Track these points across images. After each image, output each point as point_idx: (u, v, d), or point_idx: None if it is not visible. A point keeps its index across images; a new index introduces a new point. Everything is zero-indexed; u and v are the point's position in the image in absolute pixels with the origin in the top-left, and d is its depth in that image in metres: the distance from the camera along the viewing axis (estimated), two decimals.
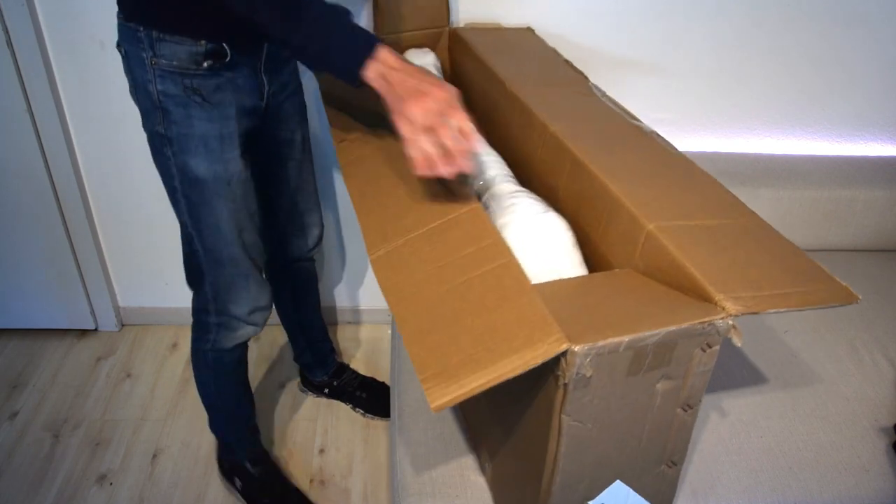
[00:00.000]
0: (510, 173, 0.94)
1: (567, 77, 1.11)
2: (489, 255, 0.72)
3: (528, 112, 0.98)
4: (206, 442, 1.53)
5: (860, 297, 0.67)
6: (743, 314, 0.63)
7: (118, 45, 0.96)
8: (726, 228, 0.75)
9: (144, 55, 0.91)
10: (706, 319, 0.63)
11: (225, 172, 0.99)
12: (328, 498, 1.43)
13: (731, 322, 0.63)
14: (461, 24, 1.36)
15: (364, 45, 0.79)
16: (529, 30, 1.36)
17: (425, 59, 1.23)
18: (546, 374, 0.65)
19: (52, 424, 1.58)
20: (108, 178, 1.60)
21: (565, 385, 0.63)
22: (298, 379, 1.68)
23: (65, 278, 1.72)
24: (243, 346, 1.22)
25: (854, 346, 1.23)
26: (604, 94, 1.05)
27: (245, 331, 1.15)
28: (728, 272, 0.68)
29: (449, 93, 0.76)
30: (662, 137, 0.93)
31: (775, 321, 1.28)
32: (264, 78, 1.01)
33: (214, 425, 1.38)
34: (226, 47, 0.92)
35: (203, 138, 0.95)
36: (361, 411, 1.61)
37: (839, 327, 1.28)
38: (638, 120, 0.97)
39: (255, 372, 1.71)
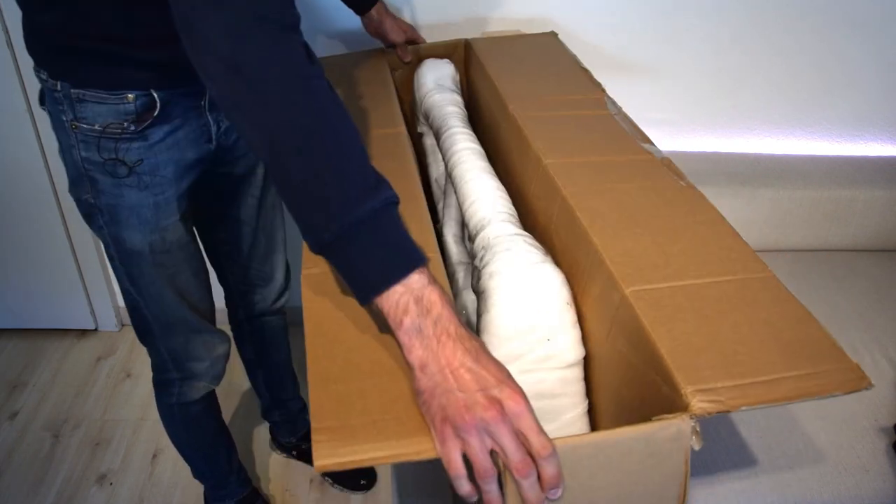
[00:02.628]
0: (510, 210, 0.84)
1: (580, 93, 1.03)
2: None
3: (525, 140, 0.90)
4: None
5: (872, 382, 0.55)
6: (711, 414, 0.52)
7: (41, 103, 0.85)
8: (720, 289, 0.64)
9: (64, 118, 0.80)
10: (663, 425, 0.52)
11: (162, 242, 0.89)
12: (328, 498, 1.43)
13: (692, 424, 0.52)
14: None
15: (404, 258, 0.55)
16: (552, 35, 1.29)
17: (443, 70, 1.17)
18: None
19: (52, 424, 1.58)
20: None
21: None
22: (269, 436, 1.54)
23: (65, 278, 1.72)
24: (210, 393, 1.14)
25: (854, 346, 1.23)
26: (619, 110, 0.98)
27: (208, 381, 1.09)
28: (707, 352, 0.57)
29: (515, 401, 0.51)
30: (674, 165, 0.84)
31: None
32: (210, 118, 0.89)
33: (197, 473, 1.30)
34: (155, 96, 0.80)
35: (134, 209, 0.85)
36: (330, 481, 1.46)
37: (839, 327, 1.27)
38: (650, 143, 0.89)
39: None
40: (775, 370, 0.56)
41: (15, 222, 1.62)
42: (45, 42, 0.79)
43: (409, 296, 0.54)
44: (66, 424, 1.58)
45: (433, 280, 0.55)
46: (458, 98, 1.10)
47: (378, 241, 0.55)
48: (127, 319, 1.85)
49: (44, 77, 0.81)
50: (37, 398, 1.64)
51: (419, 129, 1.16)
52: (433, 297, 0.54)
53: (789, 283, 1.41)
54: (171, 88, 0.82)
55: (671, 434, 0.52)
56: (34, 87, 1.43)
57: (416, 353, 0.53)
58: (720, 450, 1.04)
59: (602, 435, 0.54)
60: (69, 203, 1.59)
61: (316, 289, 0.67)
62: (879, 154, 1.59)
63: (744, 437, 1.05)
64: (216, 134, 0.92)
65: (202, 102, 0.88)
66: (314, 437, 0.51)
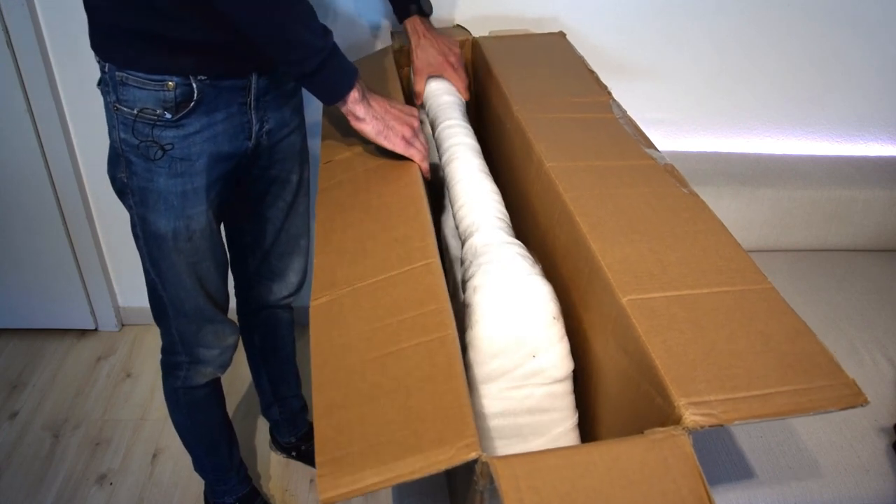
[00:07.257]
0: (501, 214, 0.83)
1: (586, 96, 1.02)
2: (429, 325, 0.63)
3: (528, 142, 0.90)
4: None
5: (868, 399, 0.55)
6: (703, 428, 0.52)
7: (98, 84, 0.90)
8: (717, 300, 0.64)
9: (108, 98, 0.85)
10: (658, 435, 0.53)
11: (186, 229, 0.92)
12: None
13: (686, 437, 0.52)
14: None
15: (352, 69, 0.86)
16: (561, 35, 1.28)
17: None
18: (469, 470, 0.56)
19: (52, 424, 1.58)
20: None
21: (481, 493, 0.55)
22: (269, 437, 1.54)
23: (65, 278, 1.72)
24: (216, 380, 1.16)
25: (854, 346, 1.23)
26: (624, 113, 0.97)
27: (215, 368, 1.10)
28: (702, 364, 0.57)
29: (413, 115, 0.92)
30: (677, 172, 0.84)
31: None
32: (254, 116, 0.93)
33: (198, 465, 1.30)
34: (194, 87, 0.84)
35: (162, 194, 0.89)
36: None
37: (839, 327, 1.28)
38: (654, 148, 0.89)
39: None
40: (770, 384, 0.55)
41: (15, 222, 1.62)
42: (96, 22, 0.84)
43: (355, 91, 0.86)
44: (66, 424, 1.58)
45: (358, 81, 0.87)
46: (454, 89, 1.10)
47: (336, 66, 0.84)
48: (127, 319, 1.85)
49: (97, 59, 0.85)
50: (37, 398, 1.64)
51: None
52: (361, 87, 0.87)
53: (789, 283, 1.42)
54: (215, 77, 0.85)
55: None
56: (34, 87, 1.44)
57: (365, 113, 0.87)
58: (719, 450, 1.04)
59: (588, 448, 0.54)
60: (69, 203, 1.60)
61: (324, 318, 0.67)
62: (879, 154, 1.59)
63: (742, 437, 1.05)
64: (257, 132, 0.95)
65: (248, 99, 0.91)
66: (319, 470, 0.53)
